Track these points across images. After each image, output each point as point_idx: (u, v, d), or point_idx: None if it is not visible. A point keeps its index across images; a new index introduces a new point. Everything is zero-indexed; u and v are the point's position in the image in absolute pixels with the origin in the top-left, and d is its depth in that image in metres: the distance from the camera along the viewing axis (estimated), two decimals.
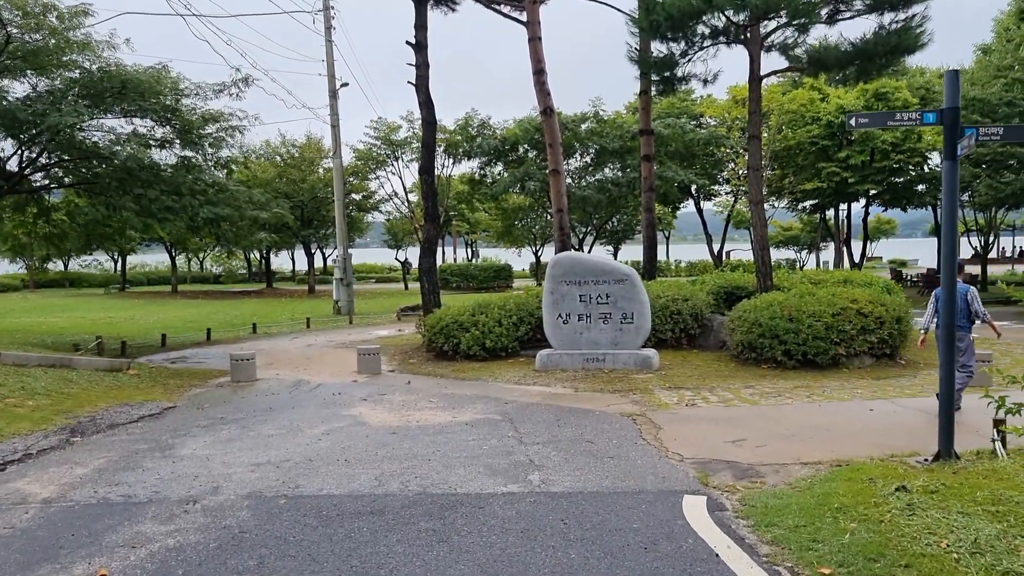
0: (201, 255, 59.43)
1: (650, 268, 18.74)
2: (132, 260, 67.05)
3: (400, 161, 32.51)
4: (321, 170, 38.65)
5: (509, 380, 12.69)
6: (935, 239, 43.70)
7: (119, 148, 14.92)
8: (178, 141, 17.81)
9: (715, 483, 6.66)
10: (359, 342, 18.89)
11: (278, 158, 39.32)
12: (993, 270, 37.97)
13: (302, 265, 52.31)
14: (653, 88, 17.08)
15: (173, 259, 43.59)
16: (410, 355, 16.24)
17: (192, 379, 13.58)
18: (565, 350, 13.35)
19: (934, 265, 43.02)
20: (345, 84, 27.39)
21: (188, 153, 18.05)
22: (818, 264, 56.81)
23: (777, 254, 53.26)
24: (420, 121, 17.54)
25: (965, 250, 66.41)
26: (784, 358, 12.80)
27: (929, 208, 38.84)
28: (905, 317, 13.43)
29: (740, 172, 36.95)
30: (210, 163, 18.06)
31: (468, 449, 7.98)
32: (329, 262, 57.51)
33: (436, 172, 30.27)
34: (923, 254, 65.38)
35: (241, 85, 16.69)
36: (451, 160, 30.08)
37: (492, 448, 8.00)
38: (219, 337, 20.92)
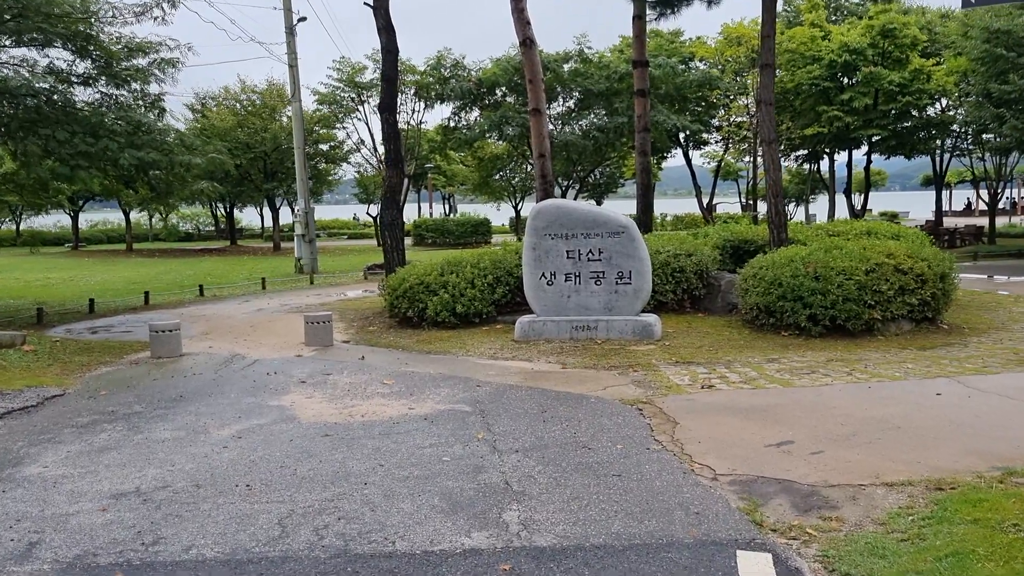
0: (163, 211, 56.61)
1: (645, 219, 16.54)
2: (94, 217, 64.00)
3: (367, 105, 29.86)
4: (284, 118, 35.88)
5: (483, 354, 10.59)
6: (931, 190, 41.73)
7: (9, 74, 12.41)
8: (103, 78, 15.31)
9: (772, 521, 4.60)
10: (316, 306, 16.72)
11: (237, 106, 36.52)
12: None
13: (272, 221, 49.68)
14: (649, 10, 14.82)
15: (127, 215, 40.84)
16: (371, 321, 14.11)
17: (105, 355, 11.35)
18: (550, 316, 11.23)
19: (930, 217, 41.13)
20: (303, 19, 24.71)
21: (114, 91, 15.57)
22: (807, 217, 54.86)
23: (764, 207, 51.17)
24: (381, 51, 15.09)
25: (959, 201, 64.91)
26: (808, 324, 10.78)
27: (926, 156, 36.93)
28: (950, 274, 11.40)
29: (733, 119, 34.75)
30: (138, 101, 15.56)
31: (422, 462, 5.87)
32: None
33: (406, 117, 27.89)
34: (913, 206, 63.57)
35: (166, 6, 14.14)
36: (423, 104, 27.53)
37: (455, 460, 5.90)
38: (160, 301, 18.64)
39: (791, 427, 6.57)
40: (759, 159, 33.65)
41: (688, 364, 9.48)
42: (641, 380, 8.69)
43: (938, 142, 30.84)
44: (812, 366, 9.17)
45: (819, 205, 56.37)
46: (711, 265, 13.17)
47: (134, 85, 15.46)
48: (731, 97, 31.58)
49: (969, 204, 59.19)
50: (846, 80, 28.12)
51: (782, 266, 11.24)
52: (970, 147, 34.47)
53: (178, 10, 14.19)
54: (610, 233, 11.01)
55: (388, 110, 14.57)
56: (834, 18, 32.71)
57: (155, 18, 14.15)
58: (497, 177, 36.73)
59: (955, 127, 28.81)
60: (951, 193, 64.69)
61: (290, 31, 24.46)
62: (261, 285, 21.31)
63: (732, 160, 44.35)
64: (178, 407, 7.90)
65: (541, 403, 7.69)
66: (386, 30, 14.40)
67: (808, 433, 6.38)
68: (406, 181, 31.82)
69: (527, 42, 16.32)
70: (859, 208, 33.59)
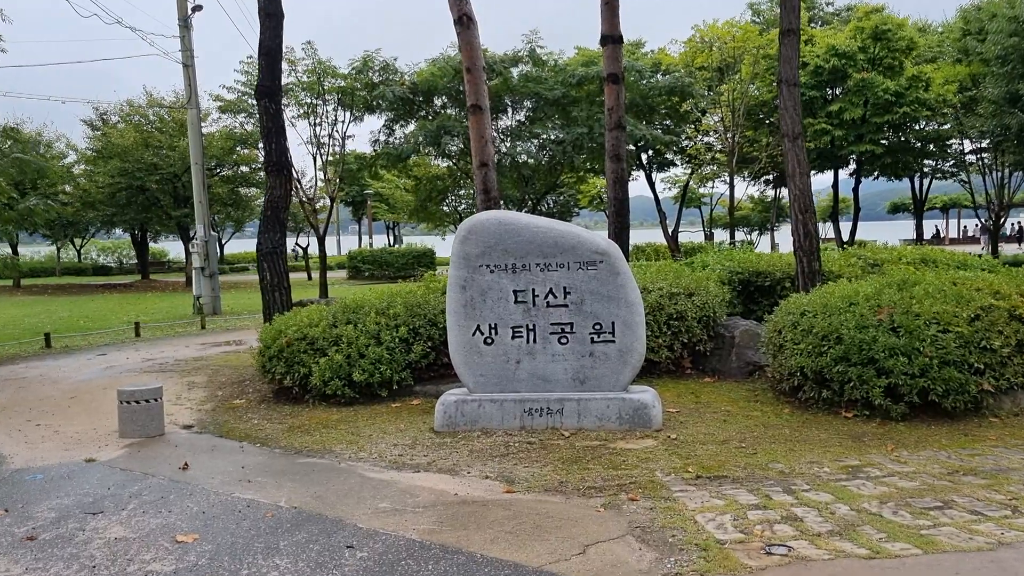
0: (79, 242, 51.83)
1: (619, 246, 12.69)
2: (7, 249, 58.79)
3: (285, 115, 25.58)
4: None
5: (382, 456, 6.58)
6: (897, 219, 38.98)
7: None
8: None
9: None
10: (188, 361, 12.61)
11: (144, 122, 32.12)
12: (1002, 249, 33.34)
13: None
14: None
15: (13, 246, 35.99)
16: (245, 388, 10.05)
17: None
18: (489, 394, 7.21)
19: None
20: (199, 7, 20.52)
21: None
22: (772, 247, 51.83)
23: (724, 235, 47.91)
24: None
25: (926, 230, 62.72)
26: (885, 401, 6.97)
27: (898, 182, 34.20)
28: None
29: (700, 138, 31.47)
30: None
31: None
32: (227, 249, 49.93)
33: (326, 129, 23.77)
34: (878, 235, 61.09)
35: None
36: (348, 115, 23.49)
37: None
38: None
39: None
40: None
41: (718, 482, 5.59)
42: (648, 525, 4.77)
43: (928, 161, 27.80)
44: (933, 486, 5.36)
45: (784, 234, 53.27)
46: (720, 309, 9.33)
47: None
48: (704, 110, 28.16)
49: (938, 232, 56.86)
50: (832, 91, 24.87)
51: (838, 311, 7.46)
52: (953, 168, 31.55)
53: None
54: (581, 263, 7.09)
55: (268, 95, 10.55)
56: (811, 26, 29.69)
57: None
58: (439, 200, 32.60)
59: (954, 141, 25.74)
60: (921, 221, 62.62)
61: (184, 23, 20.33)
62: (134, 331, 16.95)
63: (695, 186, 41.28)
64: None
65: None
66: None
67: None
68: (338, 207, 27.66)
69: (463, 19, 12.53)
70: (846, 237, 30.39)
